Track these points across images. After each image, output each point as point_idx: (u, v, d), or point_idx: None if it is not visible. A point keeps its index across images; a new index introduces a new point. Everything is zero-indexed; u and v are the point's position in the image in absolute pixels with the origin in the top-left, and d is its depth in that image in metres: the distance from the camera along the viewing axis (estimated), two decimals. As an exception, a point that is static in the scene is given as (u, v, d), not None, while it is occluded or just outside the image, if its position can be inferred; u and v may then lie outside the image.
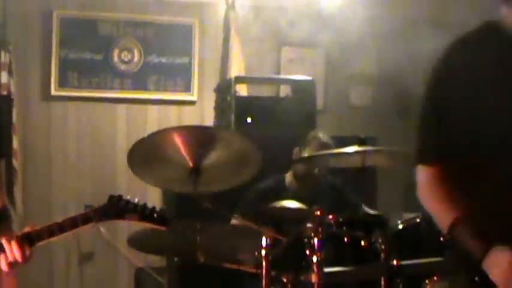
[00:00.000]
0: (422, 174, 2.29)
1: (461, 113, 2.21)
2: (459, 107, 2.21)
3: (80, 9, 5.74)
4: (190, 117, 5.85)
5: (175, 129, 3.30)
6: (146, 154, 3.27)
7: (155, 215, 2.74)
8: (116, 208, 2.71)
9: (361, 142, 3.55)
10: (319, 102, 6.02)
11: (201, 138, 3.27)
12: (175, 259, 3.95)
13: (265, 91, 5.91)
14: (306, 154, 4.12)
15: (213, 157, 3.29)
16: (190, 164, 3.26)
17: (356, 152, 3.62)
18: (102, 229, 5.32)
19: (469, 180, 2.23)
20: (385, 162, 4.11)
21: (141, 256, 5.20)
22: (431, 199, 2.27)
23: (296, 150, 4.20)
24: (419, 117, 2.32)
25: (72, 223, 2.65)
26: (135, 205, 2.73)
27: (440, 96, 2.25)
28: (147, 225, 2.78)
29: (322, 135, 4.21)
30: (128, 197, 2.75)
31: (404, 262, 3.22)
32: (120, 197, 2.73)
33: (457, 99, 2.21)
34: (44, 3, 5.69)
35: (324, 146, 4.12)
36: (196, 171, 3.26)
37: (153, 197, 4.85)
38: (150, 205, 2.78)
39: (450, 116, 2.22)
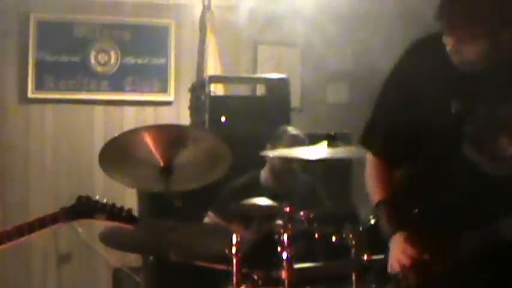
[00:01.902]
0: (369, 159, 2.65)
1: (404, 115, 2.47)
2: (404, 108, 2.47)
3: (56, 11, 5.76)
4: (167, 117, 5.88)
5: (145, 129, 3.31)
6: (117, 154, 3.29)
7: (123, 214, 2.83)
8: (85, 208, 2.80)
9: (331, 139, 3.57)
10: (296, 100, 6.07)
11: (171, 138, 3.29)
12: (151, 258, 3.99)
13: (242, 90, 5.95)
14: (279, 149, 4.14)
15: (184, 156, 3.30)
16: (161, 163, 3.27)
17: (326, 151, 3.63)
18: (80, 230, 5.35)
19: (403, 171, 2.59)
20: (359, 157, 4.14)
21: (119, 256, 5.24)
22: (370, 180, 2.64)
23: (268, 146, 4.22)
24: (373, 109, 2.62)
25: (41, 223, 2.70)
26: (104, 205, 2.82)
27: (389, 98, 2.55)
28: (116, 224, 2.81)
29: (292, 129, 4.24)
30: (97, 197, 2.84)
31: (375, 257, 3.25)
32: (88, 197, 2.82)
33: (403, 101, 2.48)
34: (21, 5, 5.70)
35: (296, 139, 4.15)
36: (167, 170, 3.27)
37: (130, 197, 4.86)
38: (118, 204, 2.82)
39: (395, 115, 2.51)
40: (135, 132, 3.32)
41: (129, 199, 4.88)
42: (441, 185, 2.44)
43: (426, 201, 2.47)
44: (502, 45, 2.29)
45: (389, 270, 2.50)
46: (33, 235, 2.76)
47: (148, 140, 3.25)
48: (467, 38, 2.28)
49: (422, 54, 2.48)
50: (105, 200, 2.82)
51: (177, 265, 3.41)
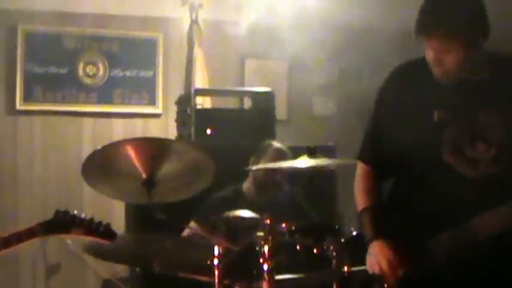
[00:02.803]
0: (359, 168, 2.84)
1: (390, 132, 2.66)
2: (389, 126, 2.67)
3: (45, 23, 5.80)
4: (155, 129, 5.93)
5: (128, 141, 3.34)
6: (100, 166, 3.32)
7: (101, 229, 2.80)
8: (62, 222, 2.77)
9: (311, 152, 3.60)
10: (283, 113, 6.14)
11: (154, 150, 3.32)
12: (137, 269, 4.01)
13: (229, 103, 6.00)
14: (263, 162, 4.18)
15: (167, 168, 3.33)
16: (144, 176, 3.30)
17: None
18: (68, 241, 5.36)
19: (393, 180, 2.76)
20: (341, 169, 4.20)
21: (108, 267, 5.26)
22: (358, 188, 2.81)
23: (252, 159, 4.26)
24: (367, 123, 2.83)
25: (17, 237, 2.70)
26: (82, 219, 2.79)
27: (379, 114, 2.74)
28: (94, 239, 2.83)
29: (277, 143, 4.28)
30: (75, 212, 2.80)
31: (355, 268, 3.28)
32: (66, 212, 2.79)
33: (389, 119, 2.68)
34: (9, 17, 5.75)
35: (280, 153, 4.19)
36: (149, 183, 3.31)
37: (118, 208, 4.90)
38: (106, 216, 2.83)
39: (384, 131, 2.71)
40: (117, 144, 3.35)
41: (117, 210, 4.93)
42: (423, 190, 2.59)
43: (409, 207, 2.61)
44: (477, 55, 2.45)
45: (369, 270, 2.67)
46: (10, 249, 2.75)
47: (131, 152, 3.28)
48: (445, 49, 2.42)
49: (405, 75, 2.70)
50: (83, 215, 2.80)
51: (163, 276, 3.44)
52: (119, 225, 4.75)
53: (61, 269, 5.77)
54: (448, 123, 2.52)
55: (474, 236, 2.44)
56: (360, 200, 2.77)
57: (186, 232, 3.83)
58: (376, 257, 2.61)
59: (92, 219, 2.81)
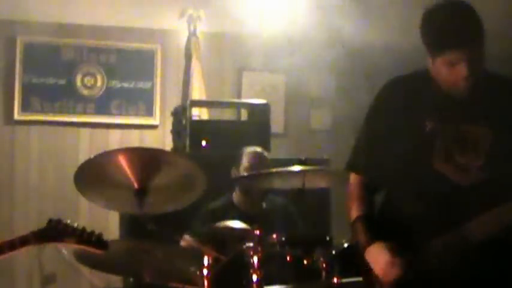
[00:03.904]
0: (351, 178, 2.82)
1: (383, 142, 2.68)
2: (382, 136, 2.69)
3: (43, 35, 5.84)
4: (152, 140, 5.96)
5: (120, 151, 3.38)
6: (93, 175, 3.35)
7: (93, 239, 2.80)
8: (54, 231, 2.77)
9: (300, 163, 3.63)
10: (280, 126, 6.16)
11: (146, 161, 3.35)
12: (131, 279, 4.03)
13: (226, 115, 6.03)
14: (241, 169, 4.19)
15: (159, 179, 3.36)
16: (136, 186, 3.33)
17: (292, 172, 3.68)
18: (64, 250, 5.38)
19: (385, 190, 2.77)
20: (330, 183, 4.21)
21: (102, 277, 5.27)
22: (350, 198, 2.78)
23: (233, 169, 4.28)
24: (358, 133, 2.83)
25: (11, 245, 2.72)
26: (74, 229, 2.79)
27: (371, 125, 2.77)
28: (86, 249, 2.83)
29: (251, 148, 4.30)
30: (68, 221, 2.81)
31: (345, 280, 3.30)
32: (59, 221, 2.79)
33: (380, 131, 2.71)
34: (8, 28, 5.80)
35: (255, 156, 4.22)
36: (141, 193, 3.34)
37: (113, 218, 4.92)
38: (101, 225, 2.85)
39: (376, 141, 2.72)
40: (110, 154, 3.39)
41: (113, 220, 4.95)
42: (415, 200, 2.60)
43: (401, 217, 2.62)
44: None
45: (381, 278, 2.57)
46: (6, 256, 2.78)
47: (123, 162, 3.31)
48: (475, 58, 2.47)
49: (399, 86, 2.73)
50: (76, 224, 2.81)
51: (153, 286, 3.46)
52: (114, 234, 4.80)
53: (56, 278, 5.76)
54: (439, 133, 2.57)
55: (467, 240, 2.47)
56: (353, 209, 2.74)
57: (182, 243, 3.84)
58: (375, 260, 2.57)
59: (84, 229, 2.81)
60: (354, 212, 2.72)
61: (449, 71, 2.49)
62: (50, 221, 2.80)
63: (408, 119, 2.62)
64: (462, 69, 2.47)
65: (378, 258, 2.55)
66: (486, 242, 2.47)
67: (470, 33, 2.46)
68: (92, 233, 2.82)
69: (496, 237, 2.48)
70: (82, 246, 2.81)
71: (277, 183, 3.91)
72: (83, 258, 3.31)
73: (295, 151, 5.74)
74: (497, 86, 2.63)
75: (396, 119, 2.65)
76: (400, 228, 2.58)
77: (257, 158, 4.20)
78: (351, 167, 2.84)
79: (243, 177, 4.10)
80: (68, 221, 2.83)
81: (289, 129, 6.33)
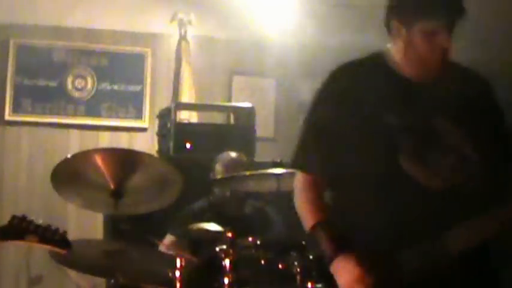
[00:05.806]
0: (299, 179, 2.50)
1: (332, 138, 2.41)
2: (330, 130, 2.41)
3: (36, 37, 5.87)
4: (141, 143, 5.97)
5: (97, 151, 3.42)
6: (69, 175, 3.38)
7: (56, 238, 2.69)
8: (15, 229, 2.65)
9: (276, 165, 3.64)
10: (270, 130, 6.18)
11: (122, 161, 3.38)
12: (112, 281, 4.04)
13: (216, 119, 6.05)
14: (218, 173, 4.20)
15: (135, 180, 3.39)
16: (112, 186, 3.36)
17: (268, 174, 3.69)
18: (50, 252, 5.40)
19: (336, 192, 2.49)
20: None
21: (89, 279, 5.28)
22: (301, 201, 2.47)
23: (211, 173, 4.29)
24: (302, 128, 2.54)
25: None
26: (37, 226, 2.67)
27: (321, 116, 2.47)
28: (49, 248, 2.73)
29: (229, 153, 4.29)
30: (32, 218, 2.68)
31: (319, 285, 3.30)
32: (23, 218, 2.67)
33: (328, 122, 2.42)
34: (1, 31, 5.83)
35: (231, 160, 4.23)
36: (117, 194, 3.36)
37: (100, 218, 4.93)
38: (53, 227, 2.69)
39: (324, 137, 2.43)
40: (86, 154, 3.43)
41: (101, 220, 4.96)
42: (378, 200, 2.35)
43: (363, 218, 2.37)
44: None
45: None
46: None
47: (99, 162, 3.34)
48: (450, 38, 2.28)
49: (352, 73, 2.46)
50: (40, 221, 2.67)
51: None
52: (100, 235, 4.82)
53: (43, 280, 5.80)
54: (405, 129, 2.31)
55: (446, 251, 2.25)
56: (309, 215, 2.40)
57: (164, 242, 3.85)
58: (341, 276, 2.27)
59: (47, 227, 2.68)
60: (311, 219, 2.39)
61: (427, 42, 2.25)
62: (13, 217, 2.66)
63: (366, 110, 2.34)
64: (444, 40, 2.24)
65: (344, 274, 2.27)
66: (467, 253, 2.26)
67: (460, 1, 2.26)
68: (56, 230, 2.70)
69: (477, 248, 2.28)
70: (44, 245, 2.69)
71: (254, 186, 3.91)
72: (57, 257, 3.30)
73: (286, 155, 5.74)
74: (462, 75, 2.42)
75: (348, 110, 2.37)
76: (367, 234, 2.32)
77: (231, 162, 4.20)
78: (301, 166, 2.51)
79: (218, 180, 4.10)
80: (33, 218, 2.68)
81: (279, 133, 6.34)
